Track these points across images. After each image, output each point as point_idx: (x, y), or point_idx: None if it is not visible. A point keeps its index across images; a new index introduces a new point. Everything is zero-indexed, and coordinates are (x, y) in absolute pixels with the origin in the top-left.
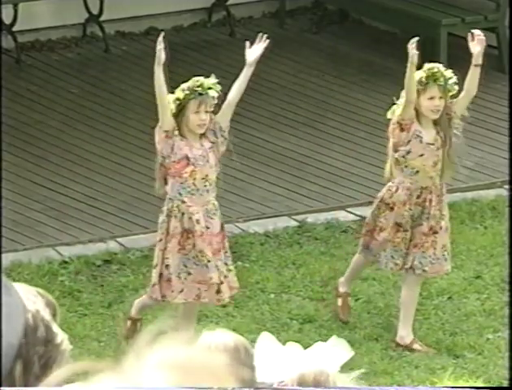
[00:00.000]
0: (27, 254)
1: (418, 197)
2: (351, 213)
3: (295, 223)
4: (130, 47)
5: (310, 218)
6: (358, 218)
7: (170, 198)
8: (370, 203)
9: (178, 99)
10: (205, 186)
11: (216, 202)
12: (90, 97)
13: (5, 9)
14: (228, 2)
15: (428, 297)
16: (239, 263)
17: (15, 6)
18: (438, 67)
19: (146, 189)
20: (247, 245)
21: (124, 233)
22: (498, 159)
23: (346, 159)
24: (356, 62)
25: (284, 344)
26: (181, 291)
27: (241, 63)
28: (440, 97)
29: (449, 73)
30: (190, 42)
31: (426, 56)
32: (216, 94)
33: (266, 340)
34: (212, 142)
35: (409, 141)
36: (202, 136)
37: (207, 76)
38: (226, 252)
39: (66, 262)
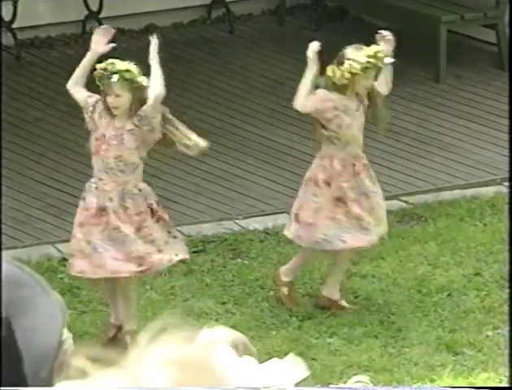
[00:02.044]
0: (26, 251)
1: (354, 165)
2: None
3: None
4: (129, 44)
5: None
6: None
7: (94, 175)
8: None
9: (98, 80)
10: (117, 166)
11: (142, 184)
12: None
13: (4, 6)
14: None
15: (428, 294)
16: (238, 260)
17: (15, 3)
18: (381, 50)
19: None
20: (247, 242)
21: None
22: (498, 156)
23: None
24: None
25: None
26: (99, 266)
27: (241, 60)
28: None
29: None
30: (189, 39)
31: (425, 53)
32: (115, 79)
33: (223, 351)
34: (135, 125)
35: (336, 116)
36: (128, 117)
37: (206, 73)
38: (164, 224)
39: (65, 259)
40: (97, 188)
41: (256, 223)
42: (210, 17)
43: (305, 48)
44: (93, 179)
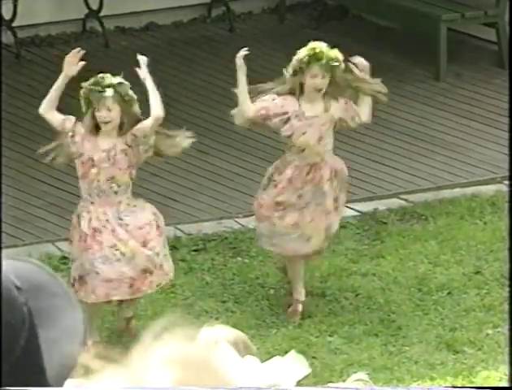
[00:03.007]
0: (27, 250)
1: (307, 174)
2: (350, 208)
3: None
4: (130, 42)
5: None
6: (358, 213)
7: (82, 198)
8: (370, 199)
9: (84, 97)
10: (110, 187)
11: (137, 201)
12: None
13: (5, 4)
14: None
15: (428, 293)
16: (239, 259)
17: (15, 1)
18: (320, 46)
19: (145, 185)
20: (247, 241)
21: None
22: (498, 155)
23: (345, 155)
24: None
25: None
26: (92, 291)
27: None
28: (323, 77)
29: (333, 53)
30: (190, 38)
31: (426, 51)
32: (111, 93)
33: (225, 350)
34: (128, 145)
35: (287, 121)
36: (119, 135)
37: (206, 72)
38: (160, 239)
39: (66, 258)
40: (89, 212)
41: None
42: (210, 15)
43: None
44: (83, 203)
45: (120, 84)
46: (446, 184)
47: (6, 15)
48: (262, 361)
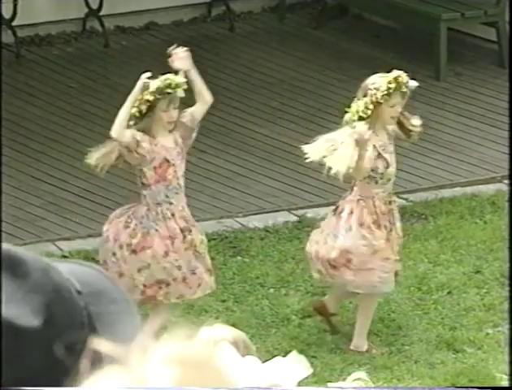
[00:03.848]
0: (26, 249)
1: (390, 203)
2: None
3: (295, 218)
4: (130, 42)
5: (310, 213)
6: None
7: (157, 203)
8: None
9: (148, 101)
10: (184, 183)
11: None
12: (90, 92)
13: (4, 3)
14: None
15: (428, 292)
16: (239, 258)
17: (15, 0)
18: (402, 74)
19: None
20: (247, 240)
21: None
22: (498, 154)
23: None
24: (356, 56)
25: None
26: (199, 285)
27: (241, 58)
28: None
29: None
30: (190, 37)
31: (426, 51)
32: (183, 94)
33: (225, 351)
34: (183, 138)
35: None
36: (173, 132)
37: (206, 72)
38: None
39: (65, 257)
40: (172, 213)
41: (256, 221)
42: (210, 15)
43: (306, 45)
44: (160, 208)
45: (184, 83)
46: (446, 183)
47: (6, 14)
48: (262, 361)
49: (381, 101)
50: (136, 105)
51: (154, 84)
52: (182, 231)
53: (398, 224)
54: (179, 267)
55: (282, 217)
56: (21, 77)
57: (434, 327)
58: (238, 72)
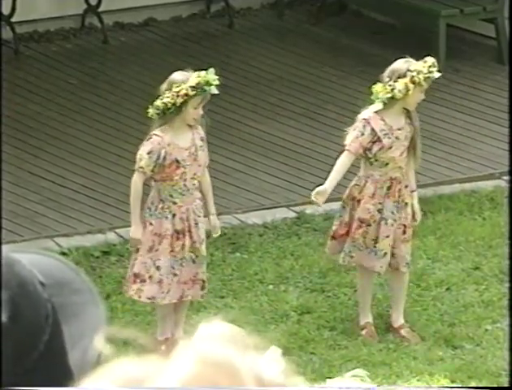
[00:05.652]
0: (25, 245)
1: (389, 188)
2: None
3: (293, 214)
4: (129, 38)
5: (309, 210)
6: None
7: (161, 199)
8: None
9: (186, 95)
10: (193, 185)
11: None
12: (89, 88)
13: (3, 0)
14: None
15: (427, 288)
16: (237, 254)
17: None
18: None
19: (145, 181)
20: (245, 236)
21: (123, 224)
22: (497, 150)
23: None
24: (355, 53)
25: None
26: (168, 292)
27: (240, 54)
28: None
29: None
30: (189, 33)
31: (424, 47)
32: (216, 91)
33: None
34: (202, 139)
35: (377, 138)
36: (192, 129)
37: (205, 68)
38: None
39: (64, 254)
40: (172, 213)
41: (255, 217)
42: (209, 11)
43: (305, 42)
44: (162, 205)
45: (217, 79)
46: (445, 179)
47: (5, 11)
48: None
49: (423, 83)
50: (168, 96)
51: (194, 79)
52: (177, 232)
53: (405, 215)
54: (158, 268)
55: (281, 213)
56: (20, 73)
57: (433, 323)
58: (237, 68)
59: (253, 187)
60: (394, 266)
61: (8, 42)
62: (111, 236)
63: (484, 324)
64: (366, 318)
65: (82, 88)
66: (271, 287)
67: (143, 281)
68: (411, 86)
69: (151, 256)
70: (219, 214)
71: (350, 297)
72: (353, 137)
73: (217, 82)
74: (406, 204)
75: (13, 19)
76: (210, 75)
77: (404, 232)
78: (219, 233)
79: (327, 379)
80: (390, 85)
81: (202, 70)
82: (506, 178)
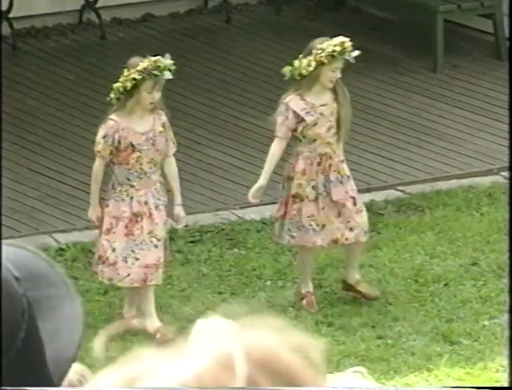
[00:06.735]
0: (23, 241)
1: (319, 164)
2: None
3: None
4: (126, 34)
5: None
6: None
7: (119, 183)
8: (368, 189)
9: (134, 79)
10: (151, 169)
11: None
12: (87, 84)
13: None
14: None
15: (424, 284)
16: (235, 250)
17: None
18: (347, 42)
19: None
20: (243, 232)
21: None
22: (494, 146)
23: (343, 146)
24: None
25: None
26: (128, 275)
27: (238, 50)
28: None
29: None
30: (186, 29)
31: (422, 43)
32: (170, 76)
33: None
34: (163, 125)
35: (301, 118)
36: (152, 114)
37: (203, 64)
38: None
39: (62, 249)
40: (130, 196)
41: (253, 213)
42: (206, 7)
43: (303, 37)
44: (120, 188)
45: (173, 65)
46: (443, 175)
47: (3, 6)
48: None
49: (325, 61)
50: (121, 80)
51: (143, 63)
52: (135, 215)
53: (350, 187)
54: (113, 249)
55: None
56: (18, 69)
57: (431, 318)
58: (235, 64)
59: (251, 183)
60: (354, 237)
61: (6, 38)
62: None
63: (482, 320)
64: (307, 288)
65: (80, 83)
66: (268, 283)
67: (103, 263)
68: (313, 64)
69: (108, 238)
70: (217, 210)
71: (348, 293)
72: (279, 123)
73: (172, 67)
74: (348, 177)
75: (11, 15)
76: (164, 61)
77: (354, 204)
78: (184, 224)
79: (328, 375)
80: (300, 62)
81: (201, 66)
82: (504, 174)
